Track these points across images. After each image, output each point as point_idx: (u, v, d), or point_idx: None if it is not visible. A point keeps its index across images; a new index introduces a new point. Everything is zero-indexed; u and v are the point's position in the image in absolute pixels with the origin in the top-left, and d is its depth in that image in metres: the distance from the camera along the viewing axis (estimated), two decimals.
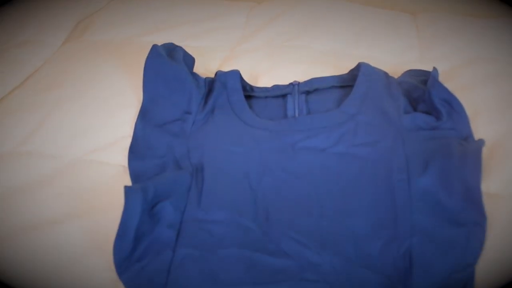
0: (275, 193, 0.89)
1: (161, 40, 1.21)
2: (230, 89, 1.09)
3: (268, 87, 1.14)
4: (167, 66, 1.09)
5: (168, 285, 0.77)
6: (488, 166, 0.92)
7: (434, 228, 0.81)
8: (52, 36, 1.40)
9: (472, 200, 0.82)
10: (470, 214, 0.82)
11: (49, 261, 0.85)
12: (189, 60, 1.16)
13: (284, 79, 1.16)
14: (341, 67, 1.17)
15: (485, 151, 0.92)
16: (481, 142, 0.88)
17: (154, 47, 1.11)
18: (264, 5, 1.50)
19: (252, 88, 1.13)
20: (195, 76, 1.13)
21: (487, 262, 0.78)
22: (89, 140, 1.07)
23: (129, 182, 0.97)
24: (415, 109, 1.03)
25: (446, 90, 1.00)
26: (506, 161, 0.93)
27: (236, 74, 1.12)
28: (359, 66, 1.11)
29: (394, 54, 1.25)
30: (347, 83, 1.11)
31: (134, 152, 1.01)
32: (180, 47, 1.17)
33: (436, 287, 0.74)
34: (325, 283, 0.76)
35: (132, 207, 0.81)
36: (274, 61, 1.25)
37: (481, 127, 0.99)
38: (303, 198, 0.88)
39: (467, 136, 0.95)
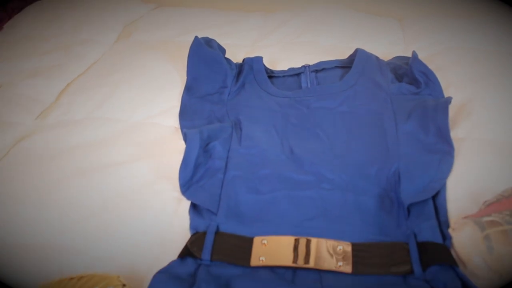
0: (296, 137, 1.14)
1: (191, 39, 1.45)
2: (256, 70, 1.36)
3: (284, 70, 1.40)
4: (206, 52, 1.36)
5: (222, 195, 1.02)
6: (456, 120, 1.18)
7: (415, 155, 1.06)
8: (105, 36, 1.67)
9: (443, 136, 1.09)
10: (442, 146, 1.07)
11: (127, 187, 1.09)
12: (222, 49, 1.43)
13: (296, 65, 1.42)
14: (341, 57, 1.44)
15: (454, 110, 1.18)
16: (448, 98, 1.14)
17: (196, 38, 1.37)
18: (277, 12, 1.77)
19: (272, 71, 1.40)
20: (227, 60, 1.40)
21: (454, 178, 1.04)
22: (146, 109, 1.33)
23: (180, 139, 1.22)
24: (400, 82, 1.29)
25: (423, 64, 1.27)
26: (468, 117, 1.19)
27: (260, 59, 1.38)
28: (356, 51, 1.38)
29: (383, 46, 1.51)
30: (347, 64, 1.38)
31: (183, 116, 1.26)
32: (214, 40, 1.44)
33: (418, 192, 0.99)
34: (337, 190, 1.01)
35: (192, 144, 1.07)
36: (287, 53, 1.51)
37: (451, 94, 1.25)
38: (317, 141, 1.13)
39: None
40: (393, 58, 1.40)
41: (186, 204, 1.04)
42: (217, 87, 1.31)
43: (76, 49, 1.57)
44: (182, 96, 1.32)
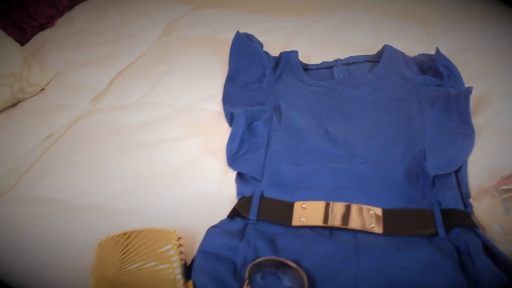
0: (330, 120, 1.24)
1: (232, 37, 1.56)
2: (292, 62, 1.46)
3: (318, 63, 1.51)
4: (247, 45, 1.47)
5: (265, 167, 1.12)
6: (476, 109, 1.28)
7: (439, 137, 1.16)
8: (150, 32, 1.79)
9: (464, 121, 1.18)
10: (463, 129, 1.17)
11: (178, 160, 1.20)
12: (260, 44, 1.54)
13: (328, 60, 1.53)
14: (369, 53, 1.54)
15: (474, 100, 1.28)
16: (469, 88, 1.24)
17: (238, 32, 1.49)
18: (307, 15, 1.88)
19: (306, 64, 1.50)
20: (265, 53, 1.51)
21: (475, 157, 1.14)
22: (191, 95, 1.44)
23: (223, 122, 1.33)
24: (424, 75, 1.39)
25: (447, 59, 1.37)
26: (488, 106, 1.28)
27: (295, 52, 1.49)
28: (384, 47, 1.48)
29: (407, 45, 1.61)
30: (375, 59, 1.48)
31: (226, 101, 1.37)
32: (253, 35, 1.55)
33: (442, 166, 1.09)
34: (369, 164, 1.11)
35: (238, 121, 1.18)
36: (319, 49, 1.61)
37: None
38: (349, 123, 1.23)
39: None
40: (417, 55, 1.50)
41: (231, 175, 1.15)
42: (256, 77, 1.42)
43: (124, 43, 1.69)
44: (224, 85, 1.43)
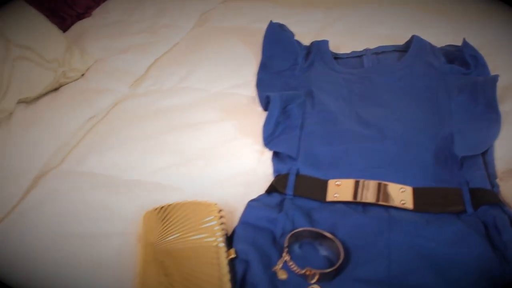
0: (361, 105, 1.29)
1: (264, 27, 1.61)
2: (322, 51, 1.51)
3: (347, 52, 1.56)
4: (280, 34, 1.53)
5: (300, 146, 1.17)
6: (503, 97, 1.32)
7: (467, 121, 1.20)
8: (184, 22, 1.85)
9: (491, 106, 1.23)
10: (490, 115, 1.21)
11: (215, 140, 1.26)
12: (291, 33, 1.59)
13: (357, 50, 1.58)
14: (397, 43, 1.59)
15: (500, 88, 1.32)
16: (496, 75, 1.28)
17: (271, 22, 1.54)
18: (336, 8, 1.93)
19: (336, 53, 1.55)
20: (297, 41, 1.56)
21: (501, 140, 1.18)
22: (225, 81, 1.49)
23: (257, 106, 1.38)
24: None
25: (474, 49, 1.41)
26: None
27: (326, 41, 1.54)
28: (412, 37, 1.52)
29: (434, 37, 1.65)
30: (403, 49, 1.52)
31: (260, 87, 1.42)
32: (285, 25, 1.60)
33: (469, 148, 1.13)
34: (400, 145, 1.15)
35: (274, 104, 1.23)
36: (348, 40, 1.66)
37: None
38: (379, 108, 1.28)
39: None
40: (444, 46, 1.54)
41: (267, 155, 1.20)
42: (289, 65, 1.47)
43: (160, 32, 1.75)
44: (258, 72, 1.48)
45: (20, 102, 1.41)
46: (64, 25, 1.79)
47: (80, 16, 1.87)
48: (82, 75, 1.57)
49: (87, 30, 1.78)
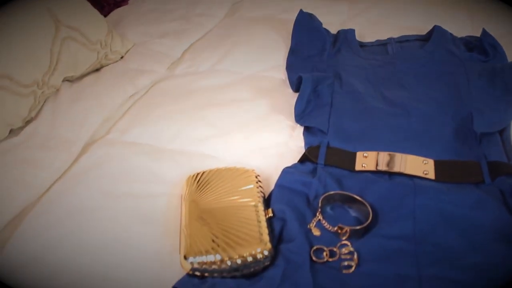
0: (386, 87, 1.36)
1: (291, 18, 1.70)
2: (349, 39, 1.59)
3: (372, 41, 1.63)
4: (309, 21, 1.61)
5: (330, 121, 1.25)
6: None
7: (485, 103, 1.27)
8: (217, 11, 1.93)
9: (509, 90, 1.30)
10: (508, 98, 1.28)
11: (249, 116, 1.34)
12: (319, 22, 1.67)
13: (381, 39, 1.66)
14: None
15: None
16: None
17: (301, 10, 1.62)
18: (360, 1, 2.00)
19: (361, 42, 1.63)
20: (325, 29, 1.64)
21: None
22: (257, 65, 1.58)
23: (288, 88, 1.47)
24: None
25: (493, 38, 1.48)
26: None
27: (352, 30, 1.62)
28: (434, 27, 1.60)
29: (453, 29, 1.72)
30: (425, 38, 1.60)
31: (290, 70, 1.51)
32: (313, 14, 1.68)
33: (487, 126, 1.19)
34: (423, 122, 1.23)
35: (306, 83, 1.31)
36: (372, 30, 1.74)
37: None
38: (403, 90, 1.35)
39: None
40: (464, 36, 1.62)
41: (299, 130, 1.28)
42: (317, 51, 1.55)
43: (193, 20, 1.83)
44: (287, 57, 1.56)
45: (64, 80, 1.50)
46: (103, 12, 1.87)
47: (118, 4, 1.96)
48: (122, 57, 1.65)
49: (125, 17, 1.86)
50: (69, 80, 1.52)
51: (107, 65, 1.62)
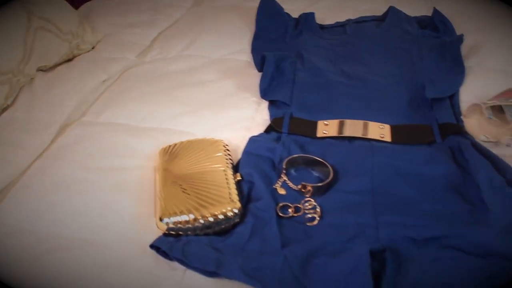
0: (345, 63, 1.45)
1: (256, 5, 1.78)
2: (310, 21, 1.68)
3: (332, 23, 1.72)
4: (272, 7, 1.69)
5: (293, 95, 1.33)
6: (468, 56, 1.48)
7: (436, 73, 1.37)
8: (184, 1, 2.00)
9: (457, 61, 1.39)
10: (456, 68, 1.38)
11: (216, 96, 1.41)
12: (281, 8, 1.75)
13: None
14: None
15: (466, 49, 1.49)
16: (461, 35, 1.45)
17: None
18: None
19: (322, 24, 1.71)
20: (287, 14, 1.72)
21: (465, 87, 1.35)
22: (224, 49, 1.65)
23: (253, 69, 1.54)
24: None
25: (443, 15, 1.58)
26: (478, 52, 1.49)
27: (312, 13, 1.71)
28: (389, 8, 1.69)
29: (410, 11, 1.81)
30: (381, 18, 1.69)
31: (255, 52, 1.58)
32: (275, 0, 1.76)
33: (438, 92, 1.28)
34: (379, 91, 1.31)
35: (269, 61, 1.39)
36: (332, 14, 1.82)
37: (464, 39, 1.56)
38: (361, 65, 1.44)
39: None
40: (418, 16, 1.71)
41: (264, 105, 1.35)
42: (280, 33, 1.64)
43: (162, 10, 1.90)
44: (252, 41, 1.64)
45: (38, 70, 1.55)
46: (73, 5, 1.92)
47: None
48: (93, 48, 1.70)
49: (95, 10, 1.92)
50: (42, 70, 1.57)
51: (79, 55, 1.66)
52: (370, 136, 1.17)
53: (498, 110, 1.19)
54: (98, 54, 1.65)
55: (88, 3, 1.99)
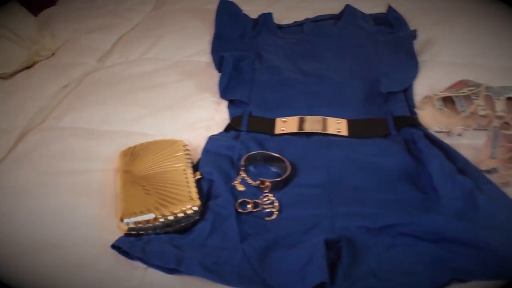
0: (302, 61, 1.47)
1: (215, 7, 1.79)
2: (268, 21, 1.70)
3: (290, 23, 1.75)
4: (230, 8, 1.71)
5: (251, 94, 1.35)
6: (421, 50, 1.52)
7: (391, 67, 1.40)
8: (143, 6, 2.01)
9: (410, 55, 1.43)
10: (410, 62, 1.42)
11: (178, 97, 1.42)
12: (239, 9, 1.77)
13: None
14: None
15: (421, 44, 1.53)
16: (414, 30, 1.49)
17: None
18: None
19: (280, 24, 1.74)
20: (245, 14, 1.74)
21: (419, 81, 1.38)
22: (183, 51, 1.66)
23: (213, 70, 1.55)
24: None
25: (396, 12, 1.62)
26: (431, 47, 1.53)
27: (271, 14, 1.73)
28: (345, 6, 1.72)
29: (367, 9, 1.84)
30: (338, 17, 1.72)
31: (214, 53, 1.60)
32: (233, 2, 1.78)
33: (392, 85, 1.32)
34: (336, 87, 1.34)
35: (227, 61, 1.41)
36: (290, 14, 1.85)
37: (418, 34, 1.60)
38: (318, 62, 1.46)
39: None
40: (373, 13, 1.75)
41: (223, 105, 1.37)
42: (238, 34, 1.66)
43: (121, 14, 1.90)
44: (212, 42, 1.65)
45: None
46: (32, 13, 1.91)
47: (46, 5, 2.00)
48: (53, 54, 1.70)
49: (54, 16, 1.91)
50: (2, 77, 1.56)
51: (39, 62, 1.66)
52: (328, 131, 1.19)
53: (449, 101, 1.23)
54: (58, 60, 1.65)
55: (47, 9, 1.98)
